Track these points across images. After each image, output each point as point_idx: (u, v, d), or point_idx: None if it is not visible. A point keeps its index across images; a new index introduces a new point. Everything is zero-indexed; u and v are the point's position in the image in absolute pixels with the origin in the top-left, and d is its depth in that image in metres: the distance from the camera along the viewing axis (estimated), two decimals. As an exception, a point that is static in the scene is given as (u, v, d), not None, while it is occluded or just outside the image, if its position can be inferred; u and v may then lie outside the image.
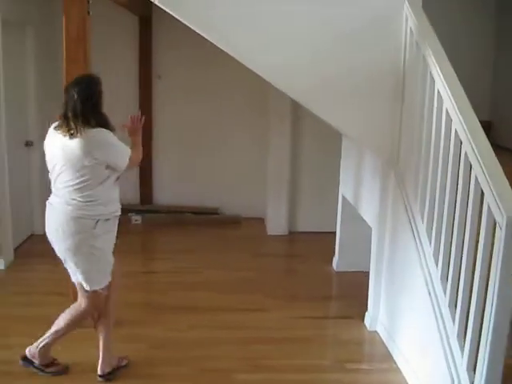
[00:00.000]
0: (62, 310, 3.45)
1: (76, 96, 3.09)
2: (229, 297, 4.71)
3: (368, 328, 4.18)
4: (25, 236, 5.77)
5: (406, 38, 3.60)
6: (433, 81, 3.18)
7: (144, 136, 6.81)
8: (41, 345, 3.42)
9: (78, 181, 3.10)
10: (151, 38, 6.76)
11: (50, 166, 3.23)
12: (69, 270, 3.32)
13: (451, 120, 2.92)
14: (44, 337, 3.42)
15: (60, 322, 3.40)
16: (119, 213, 3.37)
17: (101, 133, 3.13)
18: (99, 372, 3.43)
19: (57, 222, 3.18)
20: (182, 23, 3.69)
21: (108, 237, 3.29)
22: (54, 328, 3.41)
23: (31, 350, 3.43)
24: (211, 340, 3.95)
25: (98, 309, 3.41)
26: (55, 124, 3.21)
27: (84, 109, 3.08)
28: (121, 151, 3.23)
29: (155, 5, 3.60)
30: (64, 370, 3.49)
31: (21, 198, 5.59)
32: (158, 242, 6.48)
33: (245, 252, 5.94)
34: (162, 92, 6.93)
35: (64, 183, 3.15)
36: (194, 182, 7.08)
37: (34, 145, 5.81)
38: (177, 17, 3.59)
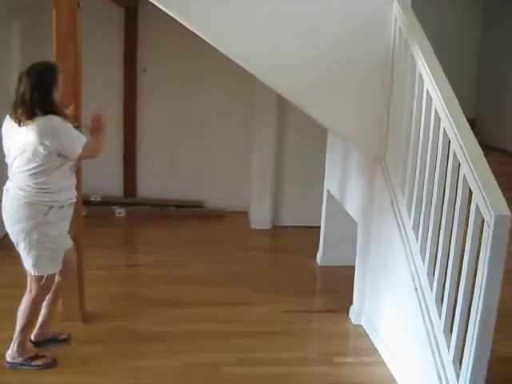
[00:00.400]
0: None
1: (26, 84, 3.12)
2: (213, 290, 4.73)
3: (353, 322, 4.24)
4: (2, 234, 5.73)
5: (395, 36, 3.63)
6: (421, 80, 3.22)
7: (128, 129, 6.91)
8: (15, 345, 3.42)
9: (30, 166, 3.15)
10: (137, 31, 6.74)
11: (5, 152, 3.26)
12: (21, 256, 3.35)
13: (440, 119, 2.96)
14: (14, 337, 3.43)
15: (20, 316, 3.41)
16: (74, 200, 3.42)
17: (51, 120, 3.13)
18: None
19: (11, 206, 3.22)
20: (168, 16, 3.70)
21: (61, 224, 3.34)
22: (18, 326, 3.41)
23: (9, 354, 3.43)
24: (196, 333, 3.97)
25: (50, 292, 3.47)
26: (10, 111, 3.23)
27: (33, 97, 3.09)
28: (72, 139, 3.24)
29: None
30: (52, 364, 3.49)
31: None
32: (142, 235, 6.48)
33: (229, 246, 5.97)
34: (147, 85, 6.90)
35: (18, 169, 3.20)
36: (178, 176, 7.08)
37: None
38: (160, 7, 3.60)
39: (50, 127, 3.13)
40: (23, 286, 3.52)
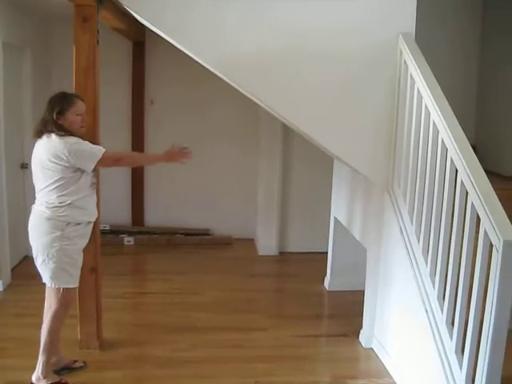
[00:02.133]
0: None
1: (46, 107, 3.44)
2: (226, 317, 4.84)
3: (363, 345, 4.34)
4: (20, 257, 5.85)
5: (401, 69, 3.80)
6: (428, 112, 3.37)
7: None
8: (39, 366, 3.54)
9: (47, 183, 3.39)
10: (144, 63, 6.92)
11: (32, 171, 3.51)
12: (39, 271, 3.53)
13: (447, 149, 3.11)
14: (39, 358, 3.55)
15: (43, 335, 3.54)
16: (92, 219, 3.62)
17: (65, 138, 3.36)
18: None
19: (33, 222, 3.46)
20: (174, 47, 3.92)
21: (78, 240, 3.51)
22: (41, 345, 3.54)
23: (35, 375, 3.55)
24: (214, 359, 4.06)
25: (68, 308, 3.61)
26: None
27: (50, 118, 3.38)
28: (86, 154, 3.41)
29: (148, 30, 3.79)
30: None
31: (17, 219, 5.67)
32: (152, 263, 6.58)
33: (238, 273, 6.08)
34: (154, 115, 7.08)
35: (38, 186, 3.45)
36: (185, 204, 7.21)
37: (28, 167, 5.89)
38: (167, 39, 3.85)
39: (64, 146, 3.33)
40: (38, 316, 3.65)
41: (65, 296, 3.51)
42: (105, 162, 3.48)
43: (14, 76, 5.71)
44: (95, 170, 3.54)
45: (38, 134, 3.42)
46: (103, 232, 6.72)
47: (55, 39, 6.53)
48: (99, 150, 3.45)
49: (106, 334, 4.21)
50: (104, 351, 4.08)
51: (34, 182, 3.49)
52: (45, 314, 3.58)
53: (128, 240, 6.95)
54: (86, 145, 3.45)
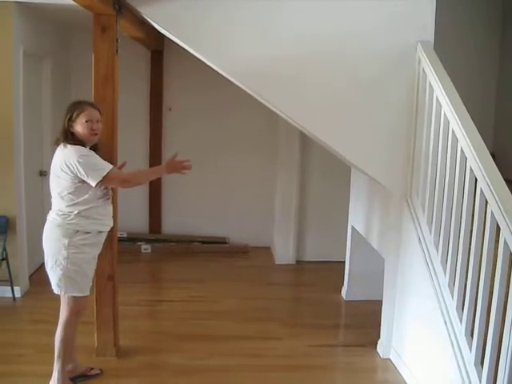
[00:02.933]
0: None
1: (64, 115, 3.47)
2: (243, 325, 4.83)
3: (381, 356, 4.30)
4: (38, 264, 5.88)
5: (419, 77, 3.78)
6: (447, 120, 3.35)
7: (154, 166, 7.06)
8: (55, 373, 3.56)
9: (58, 190, 3.44)
10: (162, 72, 6.96)
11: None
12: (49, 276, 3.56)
13: (466, 158, 3.09)
14: (54, 365, 3.56)
15: (56, 343, 3.56)
16: (105, 229, 3.62)
17: (74, 148, 3.40)
18: None
19: (46, 228, 3.51)
20: (192, 55, 3.95)
21: (87, 249, 3.51)
22: (55, 352, 3.56)
23: (51, 383, 3.57)
24: (231, 368, 4.06)
25: (79, 317, 3.63)
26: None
27: (63, 127, 3.44)
28: (91, 167, 3.39)
29: (167, 39, 3.81)
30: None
31: (35, 226, 5.69)
32: (169, 271, 6.57)
33: (255, 281, 6.07)
34: (172, 123, 7.11)
35: (53, 193, 3.49)
36: (203, 212, 7.22)
37: (47, 175, 5.93)
38: (184, 46, 3.89)
39: (73, 155, 3.35)
40: (55, 322, 3.67)
41: (74, 304, 3.52)
42: (110, 181, 3.46)
43: (34, 84, 5.78)
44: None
45: (56, 142, 3.47)
46: (120, 239, 6.74)
47: (75, 48, 6.60)
48: (107, 167, 3.43)
49: (123, 342, 4.22)
50: (120, 359, 4.09)
51: (51, 189, 3.52)
52: (59, 324, 3.59)
53: (145, 248, 6.97)
54: (96, 159, 3.45)
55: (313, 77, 3.87)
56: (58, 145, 3.45)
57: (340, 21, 3.84)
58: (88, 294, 3.59)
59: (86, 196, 3.44)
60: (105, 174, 3.40)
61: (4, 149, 5.05)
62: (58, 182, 3.42)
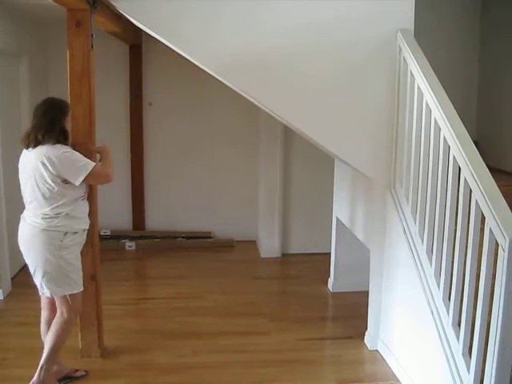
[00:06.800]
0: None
1: (39, 116, 3.37)
2: (230, 321, 4.78)
3: (369, 347, 4.28)
4: (20, 266, 5.79)
5: (400, 66, 3.75)
6: (429, 109, 3.32)
7: (135, 162, 7.04)
8: (42, 372, 3.48)
9: (41, 193, 3.33)
10: (141, 66, 6.87)
11: (20, 182, 3.46)
12: (37, 285, 3.49)
13: (449, 146, 3.06)
14: (41, 364, 3.49)
15: (49, 339, 3.50)
16: (87, 227, 3.60)
17: (56, 147, 3.33)
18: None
19: (28, 234, 3.39)
20: (171, 50, 3.88)
21: (76, 248, 3.50)
22: (47, 352, 3.50)
23: (34, 382, 3.48)
24: (218, 364, 4.02)
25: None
26: (24, 141, 3.43)
27: (43, 126, 3.33)
28: (75, 165, 3.37)
29: (145, 33, 3.74)
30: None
31: (15, 228, 5.61)
32: (154, 268, 6.52)
33: (240, 275, 6.02)
34: (153, 118, 7.03)
35: (31, 196, 3.38)
36: (186, 207, 7.16)
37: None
38: (163, 41, 3.82)
39: (54, 154, 3.30)
40: (39, 324, 3.62)
41: (76, 301, 3.51)
42: (94, 177, 3.43)
43: (10, 83, 5.66)
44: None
45: (34, 143, 3.34)
46: (104, 237, 6.75)
47: (51, 45, 6.48)
48: (90, 164, 3.40)
49: (108, 342, 4.16)
50: (106, 359, 4.03)
51: (23, 192, 3.44)
52: (55, 320, 3.52)
53: (129, 245, 6.89)
54: (78, 156, 3.41)
55: (293, 69, 3.81)
56: (35, 146, 3.34)
57: (319, 12, 3.79)
58: (83, 288, 3.58)
59: (70, 197, 3.39)
60: (89, 171, 3.36)
61: (-20, 150, 4.95)
62: (36, 184, 3.33)
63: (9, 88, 5.55)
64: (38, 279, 3.45)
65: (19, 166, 3.48)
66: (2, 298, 5.13)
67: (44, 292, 3.49)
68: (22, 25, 5.78)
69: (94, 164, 3.42)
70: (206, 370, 3.93)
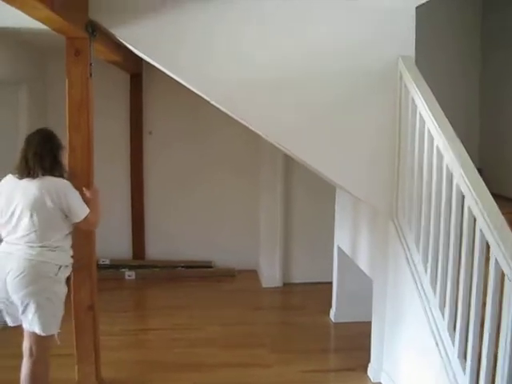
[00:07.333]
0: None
1: (40, 146, 3.31)
2: (231, 352, 4.70)
3: (372, 379, 4.19)
4: None
5: (401, 93, 3.71)
6: (431, 137, 3.27)
7: (136, 191, 7.00)
8: None
9: (43, 225, 3.25)
10: (141, 95, 6.88)
11: (6, 212, 3.30)
12: (23, 321, 3.31)
13: (452, 174, 3.01)
14: None
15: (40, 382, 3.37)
16: (72, 261, 3.51)
17: (61, 181, 3.32)
18: None
19: (19, 268, 3.20)
20: (171, 78, 3.86)
21: (63, 284, 3.41)
22: None
23: None
24: (218, 397, 3.93)
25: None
26: (16, 170, 3.35)
27: (45, 158, 3.29)
28: (79, 203, 3.38)
29: (145, 62, 3.73)
30: None
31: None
32: (154, 298, 6.44)
33: (242, 306, 5.93)
34: (153, 147, 7.01)
35: (27, 229, 3.25)
36: (187, 236, 7.09)
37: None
38: (162, 69, 3.80)
39: (63, 188, 3.29)
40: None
41: (52, 341, 3.36)
42: (86, 223, 3.43)
43: (10, 111, 5.65)
44: None
45: (34, 173, 3.26)
46: (103, 267, 6.67)
47: (51, 73, 6.47)
48: (86, 208, 3.42)
49: (106, 374, 4.07)
50: (104, 393, 3.95)
51: (14, 221, 3.27)
52: (29, 365, 3.35)
53: (129, 274, 6.82)
54: (79, 195, 3.42)
55: (293, 97, 3.78)
56: (33, 177, 3.26)
57: (320, 38, 3.77)
58: None
59: (67, 230, 3.39)
60: (86, 214, 3.38)
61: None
62: (42, 216, 3.24)
63: (7, 115, 5.54)
64: (28, 316, 3.26)
65: (5, 196, 3.34)
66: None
67: (32, 329, 3.30)
68: (21, 52, 5.80)
69: (88, 209, 3.42)
70: (205, 404, 3.85)
